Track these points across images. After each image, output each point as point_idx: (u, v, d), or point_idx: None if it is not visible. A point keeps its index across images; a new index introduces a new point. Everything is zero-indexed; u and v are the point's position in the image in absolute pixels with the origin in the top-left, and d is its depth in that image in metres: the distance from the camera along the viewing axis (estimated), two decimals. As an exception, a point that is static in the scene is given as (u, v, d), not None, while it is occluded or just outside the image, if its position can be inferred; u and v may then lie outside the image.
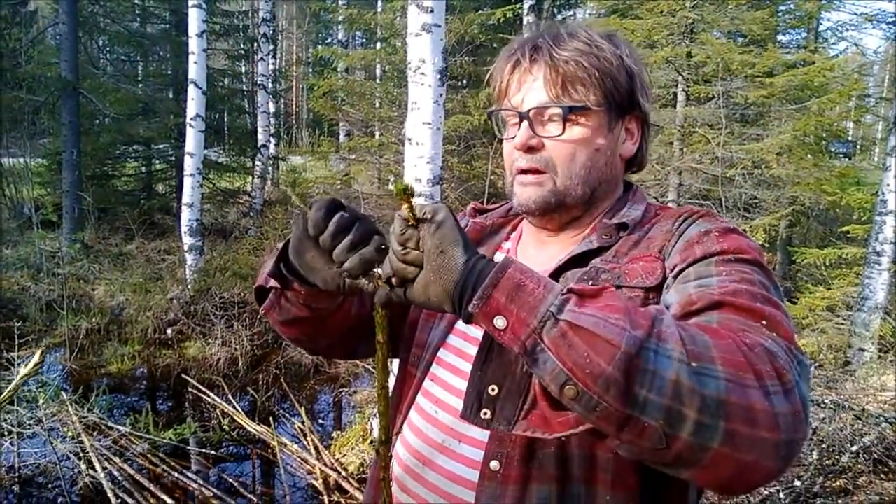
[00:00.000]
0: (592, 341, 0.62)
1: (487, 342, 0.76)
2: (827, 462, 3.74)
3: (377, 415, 0.80)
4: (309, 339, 1.08)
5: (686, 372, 0.62)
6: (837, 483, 3.69)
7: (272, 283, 0.94)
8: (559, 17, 10.18)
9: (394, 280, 0.75)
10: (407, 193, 0.72)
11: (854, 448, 3.81)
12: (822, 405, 4.05)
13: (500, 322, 0.67)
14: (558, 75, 0.94)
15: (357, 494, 3.86)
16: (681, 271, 0.85)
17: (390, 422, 0.89)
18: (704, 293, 0.78)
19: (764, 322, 0.73)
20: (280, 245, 0.94)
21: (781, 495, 3.41)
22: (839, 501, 3.53)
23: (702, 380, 0.62)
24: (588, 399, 0.62)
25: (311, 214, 0.78)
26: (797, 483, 3.51)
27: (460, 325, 0.98)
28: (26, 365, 2.95)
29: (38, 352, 2.95)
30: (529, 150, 0.96)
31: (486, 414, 0.75)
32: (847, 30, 11.69)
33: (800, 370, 0.69)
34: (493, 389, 0.75)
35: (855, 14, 11.44)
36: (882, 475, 3.77)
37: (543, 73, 0.95)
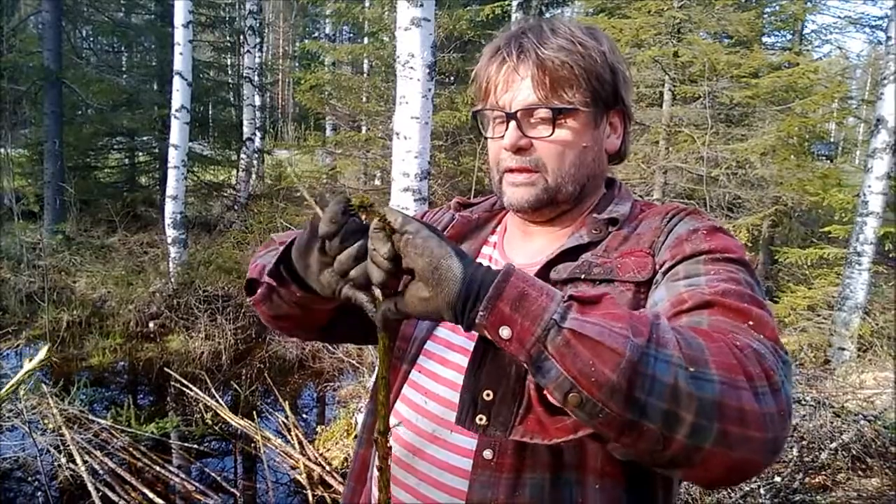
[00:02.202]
0: (596, 349, 0.63)
1: (480, 347, 0.76)
2: (807, 458, 3.79)
3: (368, 408, 0.79)
4: (294, 330, 1.09)
5: (684, 376, 0.63)
6: (817, 479, 3.74)
7: (266, 279, 0.94)
8: (547, 14, 10.19)
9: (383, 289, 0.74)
10: (366, 207, 0.72)
11: (833, 445, 3.87)
12: (803, 402, 4.10)
13: (504, 332, 0.67)
14: (546, 76, 0.93)
15: (341, 489, 3.86)
16: (670, 268, 0.87)
17: (375, 414, 0.87)
18: (695, 292, 0.79)
19: (750, 322, 0.75)
20: (275, 237, 0.91)
21: (762, 491, 3.45)
22: (818, 497, 3.58)
23: (698, 383, 0.64)
24: (592, 406, 0.63)
25: (330, 208, 0.76)
26: (777, 479, 3.55)
27: None
28: (31, 359, 2.90)
29: (45, 347, 2.92)
30: (518, 150, 0.96)
31: (481, 420, 0.75)
32: (831, 33, 11.84)
33: (785, 370, 0.71)
34: (487, 395, 0.75)
35: (839, 17, 11.56)
36: (860, 472, 3.83)
37: (531, 74, 0.94)
